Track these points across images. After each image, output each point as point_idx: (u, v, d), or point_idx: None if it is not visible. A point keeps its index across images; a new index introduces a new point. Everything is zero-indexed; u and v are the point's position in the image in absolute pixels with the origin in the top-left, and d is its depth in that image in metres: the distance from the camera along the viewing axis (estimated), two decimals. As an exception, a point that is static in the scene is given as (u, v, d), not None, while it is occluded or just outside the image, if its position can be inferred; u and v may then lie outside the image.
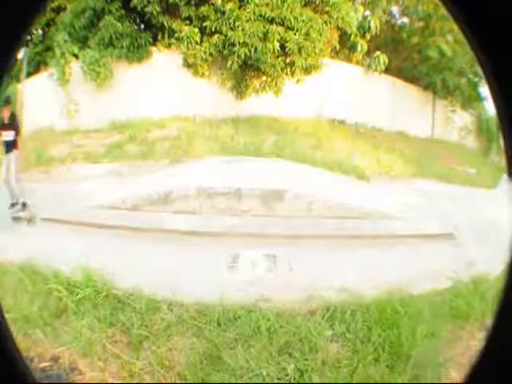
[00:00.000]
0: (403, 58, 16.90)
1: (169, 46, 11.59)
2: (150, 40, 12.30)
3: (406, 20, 17.64)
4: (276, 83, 11.71)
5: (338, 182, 8.91)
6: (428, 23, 16.44)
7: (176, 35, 11.48)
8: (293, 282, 5.54)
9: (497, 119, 0.99)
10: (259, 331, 4.68)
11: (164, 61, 11.94)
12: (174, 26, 11.52)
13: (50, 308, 4.84)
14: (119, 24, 12.30)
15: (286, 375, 4.29)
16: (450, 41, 16.35)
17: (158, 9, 11.74)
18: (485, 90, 18.57)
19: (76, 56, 12.53)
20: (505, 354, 1.03)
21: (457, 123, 16.85)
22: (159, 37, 12.34)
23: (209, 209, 7.20)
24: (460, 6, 1.00)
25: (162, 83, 11.48)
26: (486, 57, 0.96)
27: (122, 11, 12.55)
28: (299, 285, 5.38)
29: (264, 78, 11.63)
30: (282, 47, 10.99)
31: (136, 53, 12.18)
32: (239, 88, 11.77)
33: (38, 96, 12.44)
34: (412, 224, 7.84)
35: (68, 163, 9.89)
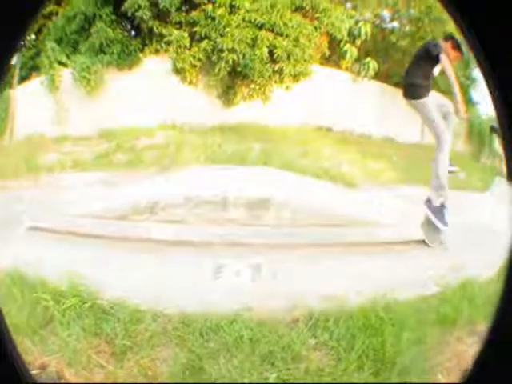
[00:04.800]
0: (393, 62, 16.90)
1: (157, 51, 11.56)
2: (140, 46, 12.31)
3: (396, 24, 17.65)
4: (264, 91, 11.73)
5: (324, 190, 8.89)
6: (419, 27, 16.43)
7: (165, 39, 11.46)
8: (276, 290, 5.50)
9: (497, 122, 0.98)
10: (241, 341, 4.66)
11: (153, 67, 11.94)
12: (164, 31, 11.52)
13: (37, 317, 4.83)
14: (110, 30, 12.30)
15: (269, 385, 4.30)
16: (443, 44, 16.35)
17: (149, 14, 11.73)
18: (477, 93, 18.59)
19: (64, 64, 12.51)
20: (505, 354, 1.01)
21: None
22: (147, 42, 12.35)
23: (195, 218, 7.17)
24: (460, 8, 0.97)
25: (150, 90, 11.48)
26: (486, 60, 0.95)
27: (113, 17, 12.54)
28: (283, 293, 5.34)
29: (252, 85, 11.61)
30: (271, 53, 10.98)
31: (126, 59, 12.18)
32: (227, 95, 11.75)
33: (31, 102, 12.42)
34: (399, 230, 7.80)
35: (57, 171, 9.87)
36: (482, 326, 5.31)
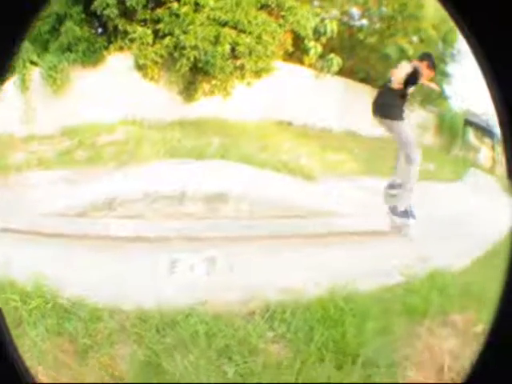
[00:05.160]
0: (359, 58, 16.91)
1: (121, 48, 11.47)
2: (106, 44, 12.22)
3: (365, 22, 17.66)
4: (225, 86, 11.69)
5: (283, 183, 8.88)
6: (390, 24, 16.45)
7: (129, 36, 11.38)
8: (232, 283, 5.48)
9: (497, 122, 0.95)
10: (197, 336, 4.62)
11: (117, 64, 11.85)
12: (129, 28, 11.43)
13: (9, 317, 4.77)
14: (78, 29, 12.19)
15: (227, 379, 4.25)
16: (415, 41, 16.39)
17: (116, 12, 11.63)
18: (449, 88, 18.69)
19: (35, 64, 12.39)
20: (504, 356, 0.97)
21: (413, 121, 16.90)
22: (112, 39, 12.26)
23: (153, 213, 7.11)
24: (460, 8, 0.94)
25: (113, 87, 11.38)
26: (487, 61, 0.95)
27: (83, 15, 12.44)
28: (239, 286, 5.34)
29: (213, 81, 11.58)
30: (233, 50, 10.95)
31: (91, 57, 12.08)
32: (188, 91, 11.70)
33: (4, 102, 12.30)
34: (360, 221, 7.83)
35: (24, 170, 9.75)
36: (457, 317, 5.43)
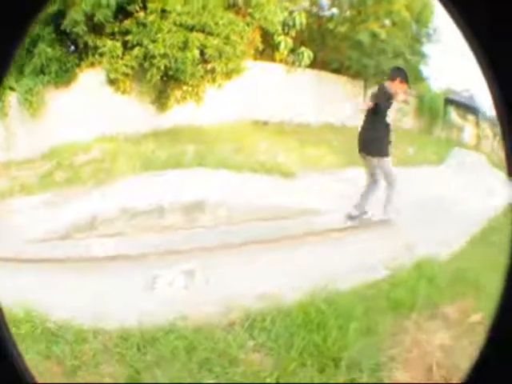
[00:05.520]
0: (330, 48, 16.86)
1: (93, 64, 11.44)
2: (77, 61, 12.18)
3: (335, 11, 17.59)
4: (197, 92, 11.62)
5: (260, 183, 8.81)
6: (360, 10, 16.40)
7: (99, 51, 11.34)
8: (211, 295, 5.38)
9: (498, 122, 0.96)
10: (177, 351, 4.60)
11: (88, 81, 11.81)
12: (98, 42, 11.40)
13: None
14: (50, 49, 12.16)
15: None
16: (387, 24, 16.34)
17: (85, 28, 11.58)
18: (426, 68, 18.65)
19: (13, 89, 12.38)
20: (506, 353, 0.98)
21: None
22: (83, 56, 12.23)
23: (132, 229, 7.09)
24: (460, 7, 0.94)
25: (86, 104, 11.34)
26: (487, 59, 0.92)
27: (54, 35, 12.40)
28: (217, 298, 5.20)
29: (185, 87, 11.51)
30: (202, 54, 10.90)
31: (63, 77, 12.05)
32: (160, 100, 11.63)
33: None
34: (342, 216, 7.77)
35: (7, 197, 9.75)
36: (449, 308, 5.28)
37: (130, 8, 10.90)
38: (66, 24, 11.81)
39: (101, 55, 10.90)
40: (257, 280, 5.65)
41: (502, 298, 1.08)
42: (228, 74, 11.67)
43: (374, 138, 7.67)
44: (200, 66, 11.00)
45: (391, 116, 7.75)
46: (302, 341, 4.54)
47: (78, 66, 12.17)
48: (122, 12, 11.16)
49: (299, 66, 14.99)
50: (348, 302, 5.09)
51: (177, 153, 9.61)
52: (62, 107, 11.94)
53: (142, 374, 4.47)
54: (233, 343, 4.58)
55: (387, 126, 7.66)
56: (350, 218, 7.84)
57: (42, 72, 12.28)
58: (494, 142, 25.79)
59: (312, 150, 12.09)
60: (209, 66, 11.15)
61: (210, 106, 12.36)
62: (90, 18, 11.54)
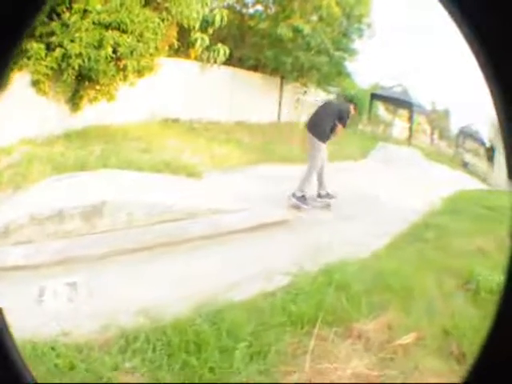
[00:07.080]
0: (250, 46, 16.83)
1: (21, 67, 11.14)
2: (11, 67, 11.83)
3: (260, 8, 17.56)
4: (109, 90, 11.55)
5: (163, 184, 8.72)
6: (285, 6, 16.38)
7: (27, 54, 11.05)
8: (93, 310, 4.93)
9: (498, 122, 0.91)
10: (58, 370, 4.35)
11: (17, 85, 11.50)
12: (27, 46, 11.11)
13: None
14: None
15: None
16: (313, 20, 16.37)
17: (21, 34, 11.23)
18: (351, 64, 18.86)
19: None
20: (505, 355, 0.97)
21: (308, 104, 16.97)
22: (16, 60, 11.91)
23: (39, 236, 6.82)
24: (461, 7, 0.94)
25: (12, 108, 11.04)
26: (487, 59, 0.93)
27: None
28: (98, 312, 4.77)
29: (97, 86, 11.39)
30: (115, 52, 10.72)
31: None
32: (73, 100, 11.48)
33: None
34: (248, 215, 7.71)
35: None
36: (365, 325, 4.57)
37: (59, 9, 10.68)
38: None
39: (28, 58, 10.58)
40: (142, 292, 5.17)
41: (502, 297, 1.05)
42: (140, 72, 11.63)
43: (324, 131, 8.91)
44: (112, 64, 10.83)
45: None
46: (182, 364, 3.97)
47: (12, 70, 11.86)
48: (51, 14, 10.87)
49: (214, 62, 15.07)
50: (236, 318, 4.46)
51: (84, 154, 9.41)
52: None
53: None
54: (108, 364, 4.05)
55: (334, 132, 9.03)
56: (295, 197, 8.70)
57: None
58: (432, 136, 26.36)
59: (221, 148, 12.20)
60: (121, 64, 10.99)
61: (121, 105, 12.31)
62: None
